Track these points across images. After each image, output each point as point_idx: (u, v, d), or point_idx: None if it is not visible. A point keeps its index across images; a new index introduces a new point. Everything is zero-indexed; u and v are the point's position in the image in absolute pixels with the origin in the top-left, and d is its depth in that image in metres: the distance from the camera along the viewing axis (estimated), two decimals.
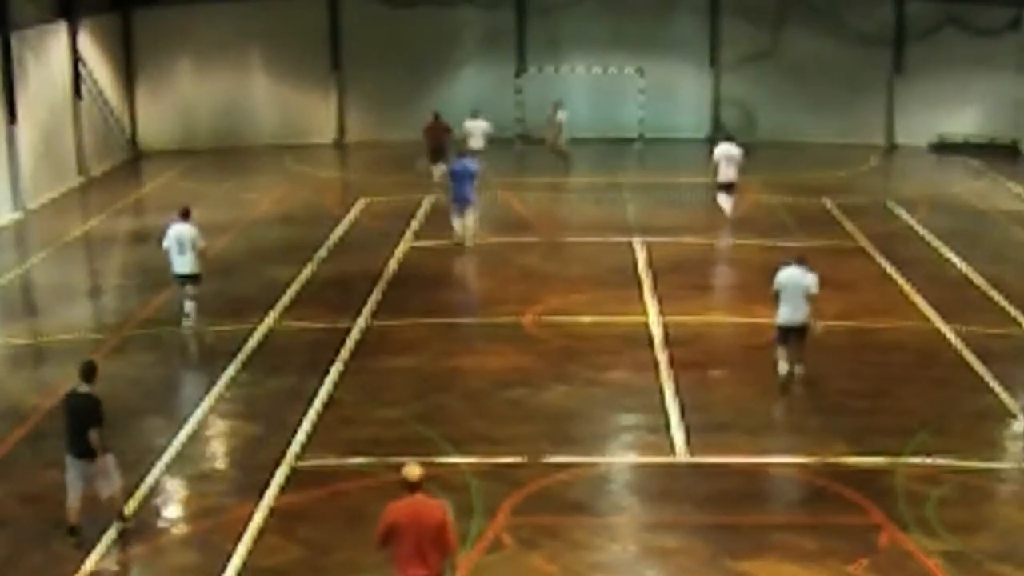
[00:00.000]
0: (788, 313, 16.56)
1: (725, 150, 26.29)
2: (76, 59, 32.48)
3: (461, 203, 24.63)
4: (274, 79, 37.44)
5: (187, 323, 19.51)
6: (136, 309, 21.04)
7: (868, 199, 29.35)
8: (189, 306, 19.50)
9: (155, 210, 29.73)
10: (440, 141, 30.29)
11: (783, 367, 16.67)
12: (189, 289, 19.51)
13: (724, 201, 26.38)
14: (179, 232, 19.51)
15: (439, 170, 29.45)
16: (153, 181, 33.25)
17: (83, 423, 12.46)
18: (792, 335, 16.65)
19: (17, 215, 28.38)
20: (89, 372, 12.79)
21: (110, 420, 15.79)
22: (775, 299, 16.70)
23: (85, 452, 12.50)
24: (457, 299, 21.53)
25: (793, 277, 16.55)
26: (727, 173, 26.18)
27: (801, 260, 16.77)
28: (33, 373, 18.36)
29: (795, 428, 15.62)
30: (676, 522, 13.06)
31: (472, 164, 25.09)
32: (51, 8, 31.38)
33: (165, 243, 19.67)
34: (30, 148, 29.36)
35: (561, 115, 33.18)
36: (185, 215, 19.82)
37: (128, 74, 36.22)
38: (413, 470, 10.16)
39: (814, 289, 16.44)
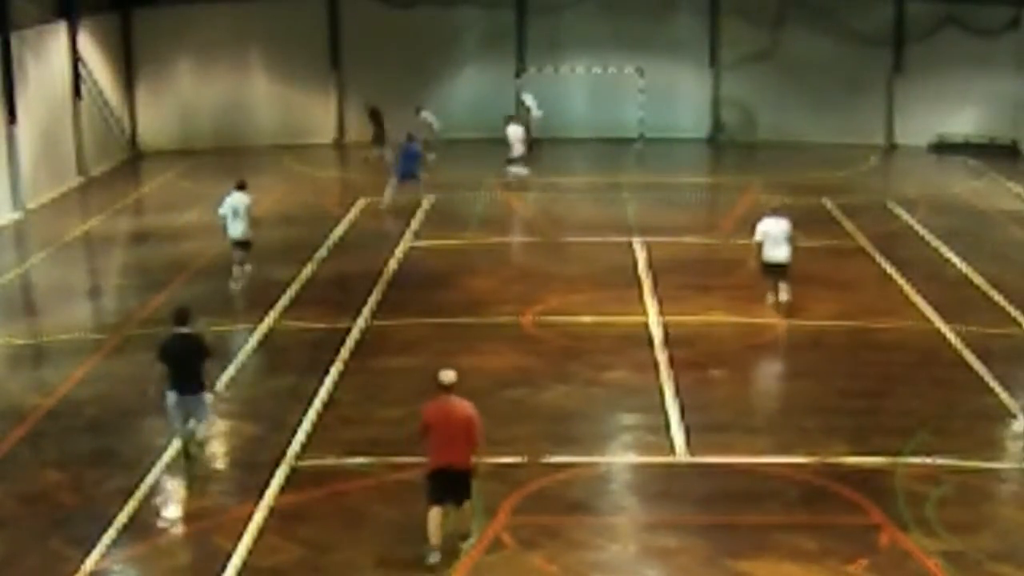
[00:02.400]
0: (773, 252, 20.02)
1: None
2: (76, 59, 32.49)
3: (407, 178, 28.23)
4: (274, 79, 37.45)
5: (235, 285, 21.62)
6: (136, 309, 21.03)
7: (868, 199, 29.35)
8: (237, 271, 21.73)
9: (155, 210, 29.81)
10: (381, 126, 33.90)
11: (771, 298, 20.21)
12: (239, 253, 21.71)
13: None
14: (235, 201, 21.63)
15: (381, 152, 32.97)
16: (153, 181, 33.26)
17: (192, 360, 13.89)
18: (777, 270, 20.09)
19: (17, 215, 28.39)
20: (184, 316, 14.25)
21: (109, 420, 15.93)
22: (759, 246, 20.07)
23: (193, 388, 13.86)
24: (457, 299, 21.50)
25: (775, 225, 20.22)
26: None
27: (776, 211, 20.75)
28: (33, 373, 18.36)
29: (795, 428, 15.62)
30: (676, 522, 13.06)
31: (416, 147, 28.91)
32: (51, 8, 31.40)
33: (221, 210, 21.74)
34: (30, 148, 29.37)
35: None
36: (241, 186, 21.88)
37: (128, 74, 36.24)
38: (448, 374, 12.07)
39: (791, 232, 20.19)
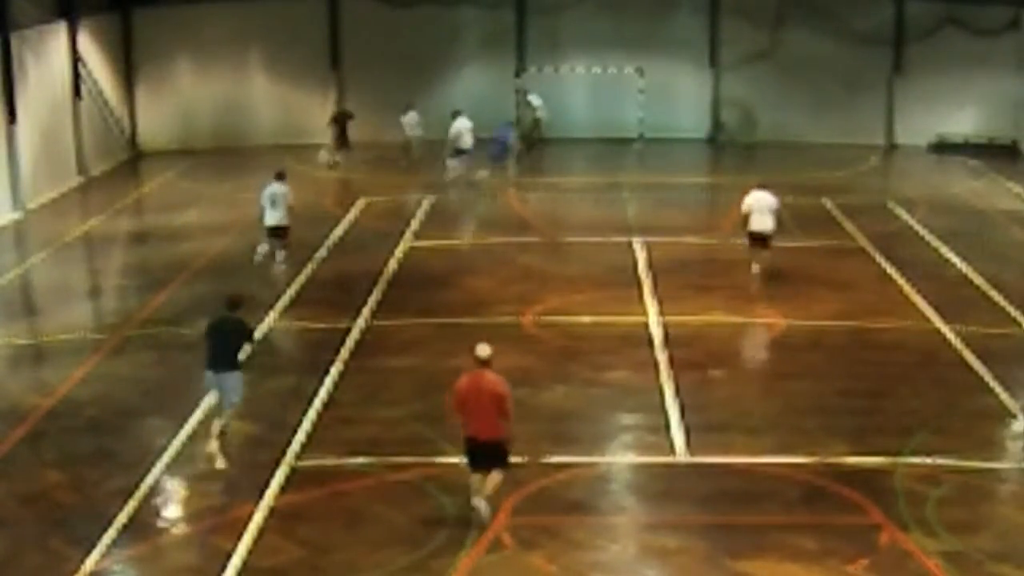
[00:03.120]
0: (759, 224, 21.77)
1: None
2: (76, 59, 32.48)
3: (497, 160, 31.39)
4: (274, 79, 37.44)
5: (279, 266, 22.79)
6: (136, 309, 21.03)
7: (868, 199, 29.35)
8: (280, 255, 22.93)
9: (155, 210, 29.80)
10: (344, 128, 34.32)
11: (756, 267, 21.87)
12: (272, 240, 22.91)
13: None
14: (273, 190, 22.84)
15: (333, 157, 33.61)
16: (153, 181, 33.26)
17: (233, 341, 14.83)
18: (761, 240, 21.85)
19: (17, 215, 28.39)
20: (236, 302, 15.22)
21: (109, 420, 15.94)
22: (745, 218, 21.81)
23: (225, 367, 14.72)
24: (457, 299, 21.50)
25: (761, 198, 21.86)
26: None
27: (763, 186, 22.24)
28: (33, 373, 18.35)
29: (795, 428, 15.61)
30: (676, 522, 13.06)
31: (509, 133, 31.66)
32: (51, 8, 31.38)
33: (262, 200, 22.99)
34: (30, 148, 29.36)
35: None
36: (280, 176, 23.08)
37: (128, 74, 36.23)
38: (484, 348, 12.76)
39: (776, 206, 21.85)
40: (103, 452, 14.93)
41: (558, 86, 36.63)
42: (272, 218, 22.84)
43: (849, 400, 16.55)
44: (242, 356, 15.11)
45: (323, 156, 33.86)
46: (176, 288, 22.11)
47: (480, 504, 12.74)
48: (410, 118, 33.80)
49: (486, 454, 12.71)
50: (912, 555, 12.17)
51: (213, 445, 14.50)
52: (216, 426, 14.66)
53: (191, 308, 20.83)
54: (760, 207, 21.76)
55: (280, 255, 23.04)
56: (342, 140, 34.49)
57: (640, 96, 36.36)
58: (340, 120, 34.68)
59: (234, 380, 14.83)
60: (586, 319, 20.14)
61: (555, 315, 20.37)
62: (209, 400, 15.38)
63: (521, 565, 12.14)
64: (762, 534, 12.65)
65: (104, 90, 34.56)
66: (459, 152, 31.42)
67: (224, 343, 14.81)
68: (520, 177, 32.25)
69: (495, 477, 12.84)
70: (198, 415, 16.00)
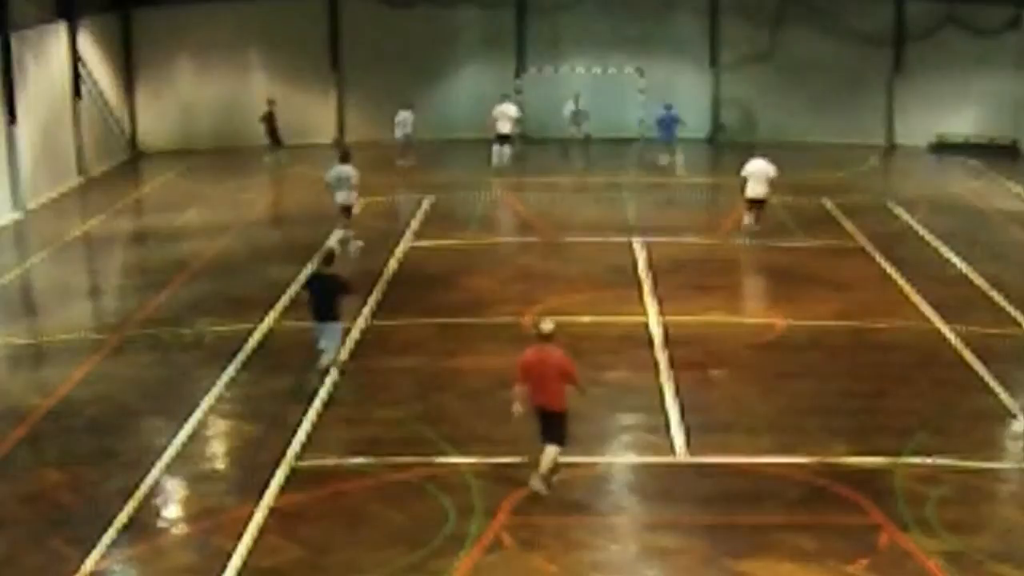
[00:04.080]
0: (755, 189, 24.70)
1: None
2: (76, 59, 32.50)
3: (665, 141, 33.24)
4: (274, 79, 37.39)
5: (351, 247, 23.79)
6: (136, 309, 21.03)
7: (868, 199, 29.35)
8: (343, 233, 24.12)
9: (155, 210, 29.80)
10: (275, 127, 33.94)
11: (746, 218, 24.93)
12: (343, 219, 24.25)
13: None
14: (339, 171, 24.34)
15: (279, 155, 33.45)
16: (153, 181, 33.27)
17: (330, 296, 16.61)
18: (756, 204, 24.76)
19: (17, 215, 28.39)
20: (330, 258, 17.18)
21: (109, 420, 15.94)
22: (744, 183, 24.77)
23: (327, 318, 16.63)
24: (457, 299, 21.49)
25: (758, 166, 24.73)
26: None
27: (763, 154, 25.00)
28: (33, 373, 18.35)
29: (795, 428, 15.61)
30: (676, 522, 13.06)
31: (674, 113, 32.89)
32: (51, 8, 31.40)
33: (327, 179, 24.43)
34: (30, 148, 29.37)
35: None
36: (344, 158, 24.70)
37: (128, 74, 36.26)
38: (547, 323, 13.54)
39: (773, 174, 24.72)
40: (103, 452, 14.92)
41: (558, 86, 36.60)
42: (341, 198, 24.28)
43: (849, 400, 16.55)
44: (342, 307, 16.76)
45: (267, 159, 33.68)
46: (176, 288, 22.11)
47: (535, 483, 13.39)
48: (402, 117, 33.78)
49: (549, 424, 13.48)
50: (912, 555, 12.17)
51: (314, 380, 16.65)
52: (324, 358, 16.72)
53: (191, 308, 20.85)
54: (757, 174, 24.70)
55: (343, 233, 24.12)
56: (273, 138, 33.86)
57: (640, 96, 36.33)
58: (270, 118, 33.84)
59: (336, 329, 16.83)
60: (586, 319, 20.13)
61: (555, 315, 20.25)
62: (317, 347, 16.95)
63: (521, 565, 12.14)
64: (762, 534, 12.65)
65: (104, 90, 34.58)
66: (501, 138, 32.50)
67: (325, 296, 16.69)
68: (520, 177, 32.28)
69: (549, 452, 13.43)
70: (198, 415, 16.02)
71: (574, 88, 36.12)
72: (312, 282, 17.27)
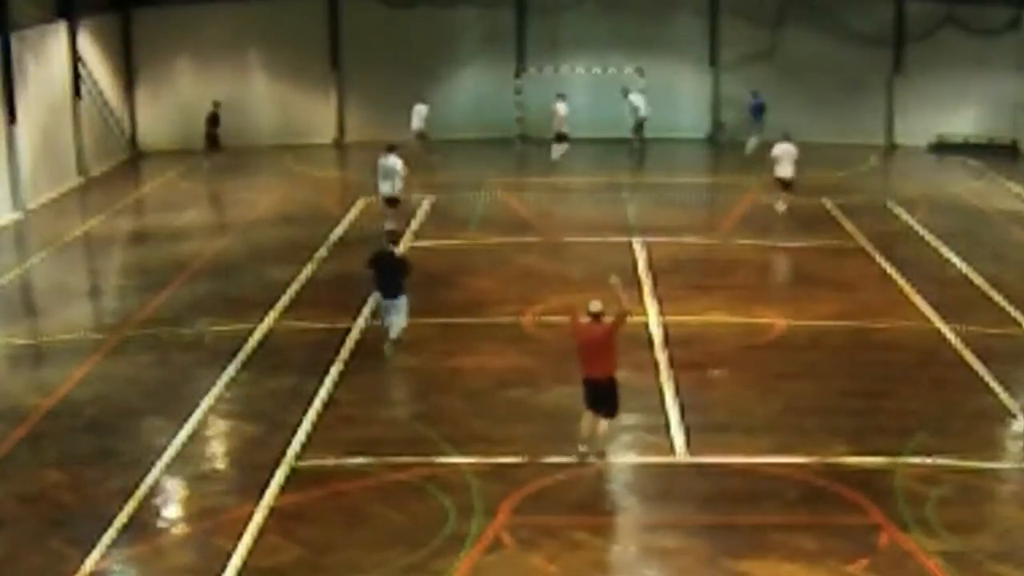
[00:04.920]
0: (782, 171, 26.94)
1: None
2: (76, 59, 32.49)
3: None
4: (274, 79, 37.44)
5: (389, 227, 24.36)
6: (136, 309, 21.03)
7: (868, 199, 29.34)
8: (390, 224, 24.71)
9: (155, 210, 29.79)
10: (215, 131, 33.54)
11: (781, 206, 26.82)
12: (390, 209, 25.20)
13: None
14: (386, 163, 25.07)
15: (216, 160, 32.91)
16: (153, 181, 33.26)
17: (394, 273, 18.23)
18: (784, 183, 26.91)
19: (17, 215, 28.39)
20: (394, 237, 20.27)
21: (109, 420, 15.95)
22: (772, 165, 27.04)
23: (392, 294, 18.19)
24: (457, 299, 21.49)
25: (785, 149, 27.02)
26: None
27: (788, 137, 27.28)
28: (33, 373, 18.35)
29: (795, 428, 15.61)
30: (676, 522, 13.06)
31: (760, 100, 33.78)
32: (51, 8, 31.39)
33: (378, 172, 25.28)
34: (30, 148, 29.37)
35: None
36: (391, 149, 25.28)
37: (128, 74, 36.25)
38: (596, 304, 14.47)
39: (797, 156, 27.01)
40: (103, 452, 14.93)
41: (558, 86, 36.57)
42: (386, 188, 25.07)
43: (849, 400, 16.55)
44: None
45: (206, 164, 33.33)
46: (176, 288, 22.11)
47: (584, 449, 14.26)
48: (418, 110, 34.08)
49: (601, 394, 14.27)
50: (912, 555, 12.17)
51: (389, 347, 18.11)
52: (394, 331, 18.14)
53: (191, 308, 20.85)
54: (784, 157, 26.83)
55: (390, 224, 24.71)
56: (211, 141, 33.40)
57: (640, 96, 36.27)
58: (213, 120, 33.44)
59: (401, 304, 18.25)
60: (586, 319, 20.09)
61: (555, 315, 20.37)
62: (382, 322, 18.50)
63: (521, 565, 12.14)
64: (762, 534, 12.65)
65: (104, 90, 34.57)
66: (560, 138, 33.17)
67: (390, 274, 18.21)
68: (520, 177, 32.29)
69: (603, 426, 14.31)
70: (198, 415, 16.02)
71: (566, 89, 36.25)
72: (377, 261, 18.43)
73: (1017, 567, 11.91)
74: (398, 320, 18.29)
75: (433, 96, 35.97)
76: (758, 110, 34.83)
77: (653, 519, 13.27)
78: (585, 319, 14.55)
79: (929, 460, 14.43)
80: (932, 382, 17.25)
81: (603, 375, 14.30)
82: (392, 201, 25.21)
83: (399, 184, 25.09)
